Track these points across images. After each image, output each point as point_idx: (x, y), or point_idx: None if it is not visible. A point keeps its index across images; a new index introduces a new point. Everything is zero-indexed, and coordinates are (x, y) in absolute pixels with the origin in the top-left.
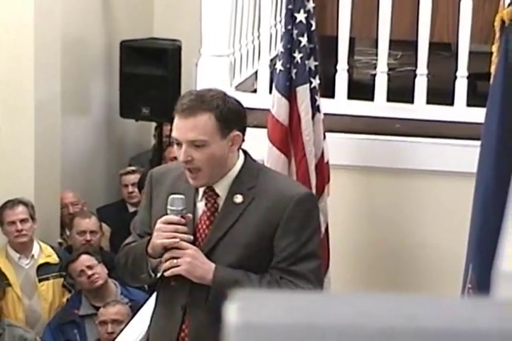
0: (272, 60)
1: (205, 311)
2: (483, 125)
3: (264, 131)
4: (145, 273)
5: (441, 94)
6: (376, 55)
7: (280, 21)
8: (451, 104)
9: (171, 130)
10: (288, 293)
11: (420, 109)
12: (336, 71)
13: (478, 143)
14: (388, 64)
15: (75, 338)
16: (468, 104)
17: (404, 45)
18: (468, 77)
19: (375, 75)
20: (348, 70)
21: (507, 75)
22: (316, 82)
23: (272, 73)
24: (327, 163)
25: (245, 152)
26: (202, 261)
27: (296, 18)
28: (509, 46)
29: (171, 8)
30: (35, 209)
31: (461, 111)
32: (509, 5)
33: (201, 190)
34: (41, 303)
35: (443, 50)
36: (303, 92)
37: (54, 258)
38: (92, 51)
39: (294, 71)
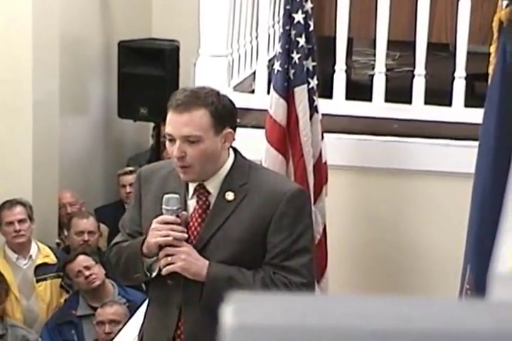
0: (270, 61)
1: (200, 309)
2: (481, 125)
3: (262, 132)
4: (140, 273)
5: (439, 94)
6: (374, 55)
7: (278, 22)
8: (449, 104)
9: None
10: (284, 295)
11: (418, 109)
12: (333, 71)
13: (476, 143)
14: (386, 64)
15: (72, 338)
16: (466, 105)
17: (402, 46)
18: (466, 78)
19: (373, 76)
20: (346, 71)
21: (505, 76)
22: (314, 82)
23: (269, 74)
24: (325, 163)
25: (235, 149)
26: (196, 257)
27: (294, 18)
28: (507, 47)
29: (169, 8)
30: (33, 210)
31: (459, 111)
32: (507, 5)
33: (192, 188)
34: (39, 304)
35: (441, 50)
36: (301, 93)
37: (52, 259)
38: (91, 51)
39: (292, 71)
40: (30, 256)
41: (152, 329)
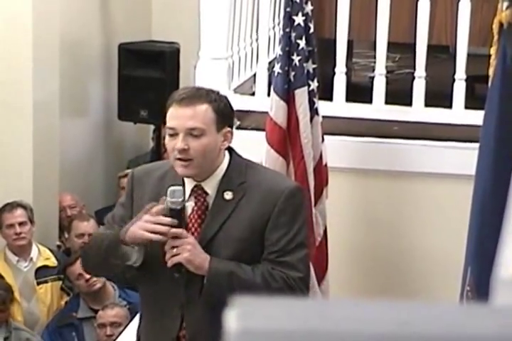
0: (270, 63)
1: (201, 306)
2: (481, 127)
3: (262, 134)
4: (119, 260)
5: (439, 96)
6: (374, 57)
7: (278, 24)
8: (450, 106)
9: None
10: (287, 299)
11: (418, 111)
12: (334, 73)
13: (476, 145)
14: (386, 66)
15: None
16: (467, 107)
17: (402, 48)
18: (466, 80)
19: (373, 78)
20: (347, 73)
21: (505, 78)
22: (314, 84)
23: (270, 76)
24: (325, 165)
25: (231, 149)
26: (200, 250)
27: (294, 20)
28: (507, 49)
29: (169, 10)
30: (34, 212)
31: (459, 113)
32: (507, 7)
33: (189, 189)
34: (39, 306)
35: (441, 52)
36: (301, 95)
37: (52, 261)
38: (91, 53)
39: (292, 74)
40: (31, 259)
41: (152, 330)
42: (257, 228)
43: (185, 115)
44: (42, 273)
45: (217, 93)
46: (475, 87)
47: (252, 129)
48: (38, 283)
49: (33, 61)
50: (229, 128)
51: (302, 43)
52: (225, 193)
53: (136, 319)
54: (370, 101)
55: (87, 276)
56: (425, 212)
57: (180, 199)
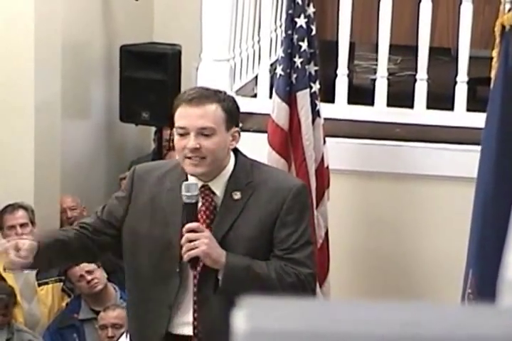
0: (272, 65)
1: (215, 302)
2: (483, 130)
3: (264, 136)
4: None
5: (441, 99)
6: (376, 59)
7: (280, 26)
8: (451, 108)
9: (170, 134)
10: (295, 300)
11: (420, 113)
12: (336, 76)
13: (478, 147)
14: (388, 69)
15: None
16: (468, 109)
17: (404, 50)
18: (468, 82)
19: (375, 80)
20: (348, 75)
21: (507, 80)
22: (316, 86)
23: (272, 78)
24: (327, 167)
25: (236, 149)
26: (216, 244)
27: (296, 22)
28: (509, 51)
29: (171, 12)
30: (35, 213)
31: (461, 116)
32: (509, 10)
33: None
34: (40, 307)
35: (443, 54)
36: (303, 97)
37: None
38: (92, 55)
39: (294, 76)
40: None
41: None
42: (266, 226)
43: (196, 114)
44: (43, 274)
45: (225, 93)
46: (477, 90)
47: (254, 131)
48: (39, 285)
49: (35, 62)
50: (237, 128)
51: (304, 45)
52: (233, 193)
53: None
54: (371, 103)
55: (89, 278)
56: (426, 214)
57: (195, 193)
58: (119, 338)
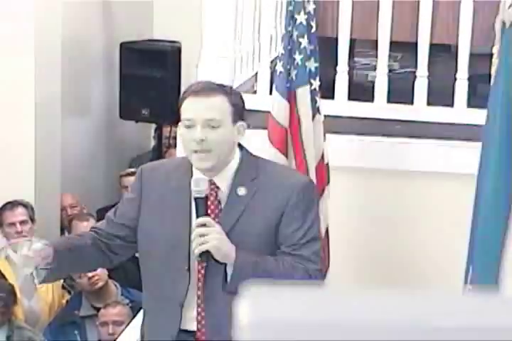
0: (272, 62)
1: (223, 297)
2: (483, 126)
3: (264, 132)
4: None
5: (441, 95)
6: (376, 56)
7: (280, 23)
8: (452, 105)
9: (170, 131)
10: (299, 289)
11: (420, 110)
12: (336, 72)
13: (479, 144)
14: (388, 65)
15: (75, 339)
16: (469, 106)
17: (404, 47)
18: (468, 79)
19: (375, 77)
20: (348, 72)
21: (507, 77)
22: (316, 83)
23: (272, 75)
24: (327, 164)
25: (240, 144)
26: (226, 238)
27: (296, 19)
28: (510, 48)
29: (170, 9)
30: (35, 211)
31: (461, 112)
32: (510, 6)
33: None
34: (40, 304)
35: (443, 51)
36: (303, 94)
37: None
38: (92, 52)
39: (294, 72)
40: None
41: (154, 326)
42: (271, 222)
43: (203, 106)
44: None
45: (231, 87)
46: (477, 86)
47: (254, 128)
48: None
49: (35, 60)
50: (242, 122)
51: (304, 42)
52: (238, 189)
53: (138, 317)
54: (372, 100)
55: (89, 274)
56: (427, 210)
57: (205, 188)
58: (119, 335)
